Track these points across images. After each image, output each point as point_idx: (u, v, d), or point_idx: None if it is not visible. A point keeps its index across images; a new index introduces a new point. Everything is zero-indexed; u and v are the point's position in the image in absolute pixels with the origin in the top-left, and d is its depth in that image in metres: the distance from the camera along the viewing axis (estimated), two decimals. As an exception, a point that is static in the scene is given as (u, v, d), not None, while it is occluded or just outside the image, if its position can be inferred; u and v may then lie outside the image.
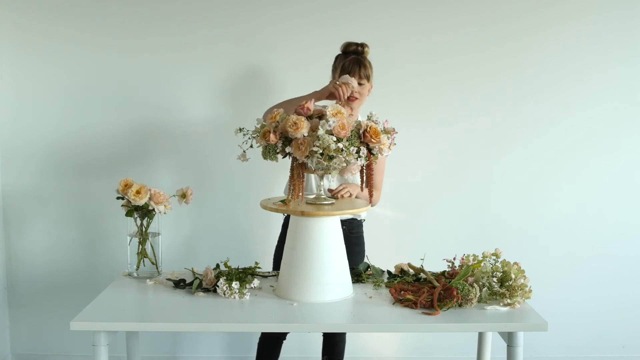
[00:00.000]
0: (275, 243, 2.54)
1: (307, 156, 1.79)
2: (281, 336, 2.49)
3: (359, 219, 2.49)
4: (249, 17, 2.80)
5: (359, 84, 2.30)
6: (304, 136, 1.80)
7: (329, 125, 1.78)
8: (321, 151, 1.77)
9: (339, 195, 2.19)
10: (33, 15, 2.80)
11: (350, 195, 2.22)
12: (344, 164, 1.81)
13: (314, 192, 2.35)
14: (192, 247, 2.93)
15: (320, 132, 1.77)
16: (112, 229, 2.89)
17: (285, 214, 2.48)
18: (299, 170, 1.87)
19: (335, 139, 1.77)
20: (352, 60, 2.32)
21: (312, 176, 2.39)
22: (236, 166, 2.62)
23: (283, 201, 1.99)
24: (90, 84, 2.84)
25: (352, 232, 2.43)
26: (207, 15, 2.80)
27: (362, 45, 2.35)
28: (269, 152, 1.86)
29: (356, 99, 2.31)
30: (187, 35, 2.81)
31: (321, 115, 1.86)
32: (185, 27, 2.81)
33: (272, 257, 2.52)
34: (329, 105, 1.85)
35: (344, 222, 2.39)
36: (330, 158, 1.78)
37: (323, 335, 2.58)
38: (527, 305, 1.85)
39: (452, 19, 2.82)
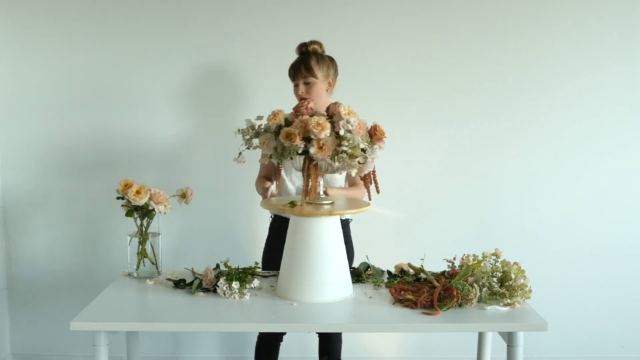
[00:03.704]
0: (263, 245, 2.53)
1: (332, 156, 1.79)
2: (278, 337, 2.48)
3: (343, 218, 2.44)
4: (246, 17, 2.81)
5: (305, 83, 2.30)
6: (326, 136, 1.80)
7: (351, 125, 1.78)
8: (350, 150, 1.76)
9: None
10: (33, 16, 2.80)
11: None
12: (361, 163, 1.82)
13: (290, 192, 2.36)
14: (192, 247, 2.93)
15: (342, 131, 1.77)
16: (112, 229, 2.89)
17: (272, 216, 2.48)
18: (314, 171, 1.86)
19: (360, 138, 1.78)
20: (293, 64, 2.34)
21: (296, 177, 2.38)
22: (236, 166, 2.62)
23: (292, 203, 1.97)
24: (90, 84, 2.84)
25: None
26: (206, 15, 2.80)
27: (307, 44, 2.34)
28: (290, 153, 1.84)
29: (306, 99, 2.26)
30: (188, 35, 2.81)
31: (331, 116, 1.86)
32: (186, 27, 2.81)
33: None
34: (340, 104, 1.85)
35: None
36: (351, 157, 1.78)
37: (318, 336, 2.57)
38: (527, 305, 1.85)
39: (451, 19, 2.82)
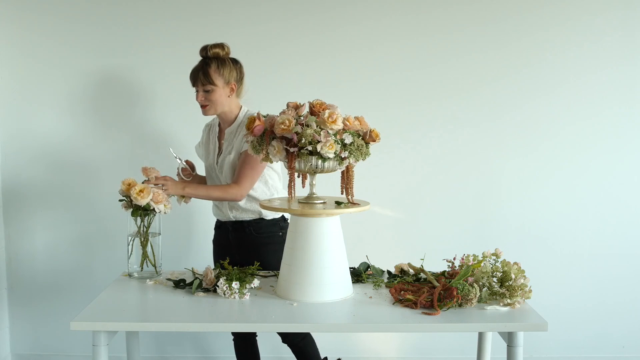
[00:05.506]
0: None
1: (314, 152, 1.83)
2: (253, 333, 2.49)
3: (267, 218, 2.38)
4: (247, 14, 2.81)
5: (204, 90, 2.24)
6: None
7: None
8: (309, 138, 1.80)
9: (154, 183, 2.14)
10: (33, 17, 2.80)
11: (162, 186, 2.15)
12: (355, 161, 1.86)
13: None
14: (192, 247, 2.93)
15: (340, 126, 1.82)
16: (112, 229, 2.89)
17: (217, 218, 2.49)
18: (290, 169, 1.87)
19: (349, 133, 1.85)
20: (193, 69, 2.27)
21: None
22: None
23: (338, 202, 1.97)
24: (89, 84, 2.85)
25: (260, 233, 2.37)
26: (207, 14, 2.81)
27: (207, 48, 2.26)
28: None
29: (206, 105, 2.26)
30: (187, 35, 2.81)
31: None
32: (185, 26, 2.81)
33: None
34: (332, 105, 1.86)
35: (249, 223, 2.36)
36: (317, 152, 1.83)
37: (289, 347, 2.45)
38: (527, 305, 1.85)
39: (451, 20, 2.82)
